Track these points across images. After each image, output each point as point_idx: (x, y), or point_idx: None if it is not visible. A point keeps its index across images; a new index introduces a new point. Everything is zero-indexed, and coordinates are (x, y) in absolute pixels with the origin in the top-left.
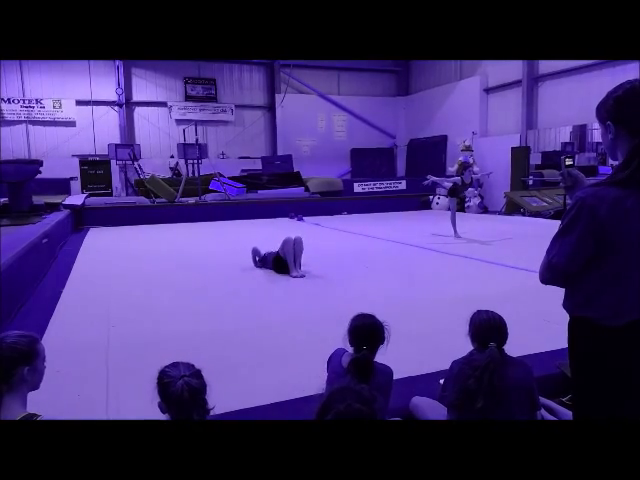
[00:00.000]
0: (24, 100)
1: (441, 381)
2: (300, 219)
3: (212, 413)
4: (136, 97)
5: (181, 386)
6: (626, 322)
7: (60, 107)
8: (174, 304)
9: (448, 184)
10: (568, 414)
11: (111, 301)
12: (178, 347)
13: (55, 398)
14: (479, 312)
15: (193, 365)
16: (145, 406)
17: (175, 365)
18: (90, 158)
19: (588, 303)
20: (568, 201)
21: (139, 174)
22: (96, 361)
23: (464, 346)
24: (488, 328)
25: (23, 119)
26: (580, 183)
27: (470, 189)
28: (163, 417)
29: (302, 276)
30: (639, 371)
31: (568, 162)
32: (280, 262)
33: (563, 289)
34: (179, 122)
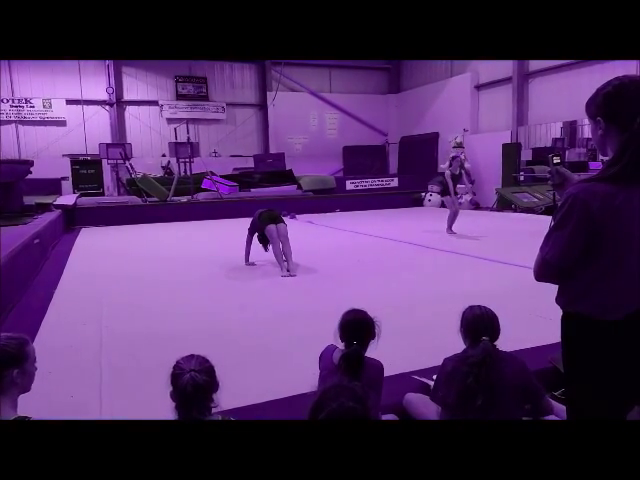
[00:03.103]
0: (13, 100)
1: (434, 377)
2: (293, 217)
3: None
4: (127, 96)
5: (186, 380)
6: (618, 317)
7: (50, 107)
8: (167, 303)
9: (437, 184)
10: (562, 408)
11: (104, 301)
12: (171, 346)
13: (47, 399)
14: (471, 307)
15: (207, 360)
16: (138, 406)
17: (190, 358)
18: (81, 158)
19: (581, 298)
20: (557, 197)
21: (131, 173)
22: (89, 361)
23: (457, 342)
24: (480, 323)
25: (13, 119)
26: (568, 180)
27: (461, 186)
28: (158, 417)
29: (293, 275)
30: (631, 365)
31: (556, 160)
32: (265, 237)
33: (556, 285)
34: (170, 121)
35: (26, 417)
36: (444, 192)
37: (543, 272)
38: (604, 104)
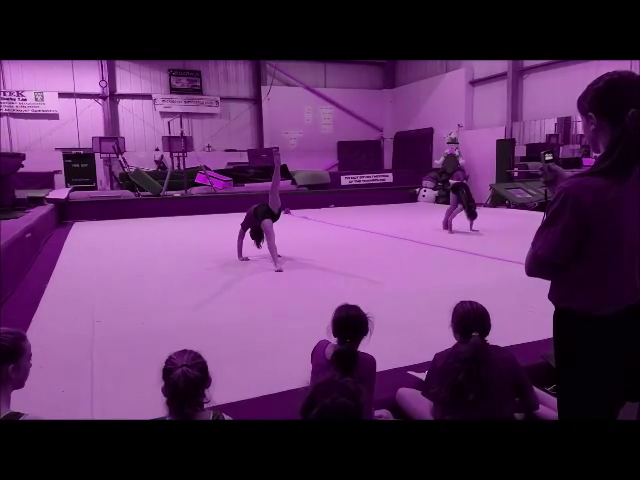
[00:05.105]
0: (4, 92)
1: (426, 372)
2: (287, 212)
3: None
4: (120, 89)
5: (177, 375)
6: (611, 312)
7: (42, 99)
8: (159, 298)
9: (431, 179)
10: (553, 401)
11: (96, 295)
12: (163, 342)
13: (39, 394)
14: (462, 303)
15: (200, 356)
16: (130, 401)
17: (182, 353)
18: (74, 151)
19: (573, 294)
20: (549, 194)
21: (124, 167)
22: (81, 356)
23: (450, 337)
24: (471, 318)
25: (4, 111)
26: (560, 177)
27: (455, 181)
28: (149, 411)
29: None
30: (623, 361)
31: (548, 157)
32: (258, 232)
33: (547, 280)
34: (164, 114)
35: (19, 413)
36: (454, 189)
37: (534, 267)
38: (595, 100)
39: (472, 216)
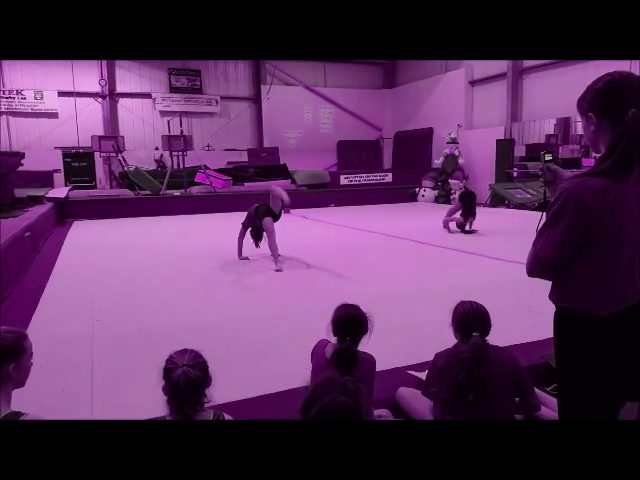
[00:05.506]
0: (4, 91)
1: (426, 371)
2: (287, 211)
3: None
4: (120, 88)
5: (178, 375)
6: (611, 312)
7: (42, 98)
8: (159, 297)
9: (430, 179)
10: (554, 401)
11: (96, 295)
12: (164, 341)
13: (38, 393)
14: (462, 303)
15: (201, 355)
16: (130, 400)
17: (183, 352)
18: (73, 150)
19: (575, 294)
20: (548, 194)
21: (123, 166)
22: (80, 355)
23: (450, 337)
24: (472, 318)
25: (3, 110)
26: (560, 178)
27: (455, 181)
28: (150, 410)
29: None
30: (624, 361)
31: (547, 157)
32: (258, 232)
33: (548, 280)
34: (163, 114)
35: (19, 412)
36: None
37: (535, 267)
38: (595, 100)
39: (463, 230)
